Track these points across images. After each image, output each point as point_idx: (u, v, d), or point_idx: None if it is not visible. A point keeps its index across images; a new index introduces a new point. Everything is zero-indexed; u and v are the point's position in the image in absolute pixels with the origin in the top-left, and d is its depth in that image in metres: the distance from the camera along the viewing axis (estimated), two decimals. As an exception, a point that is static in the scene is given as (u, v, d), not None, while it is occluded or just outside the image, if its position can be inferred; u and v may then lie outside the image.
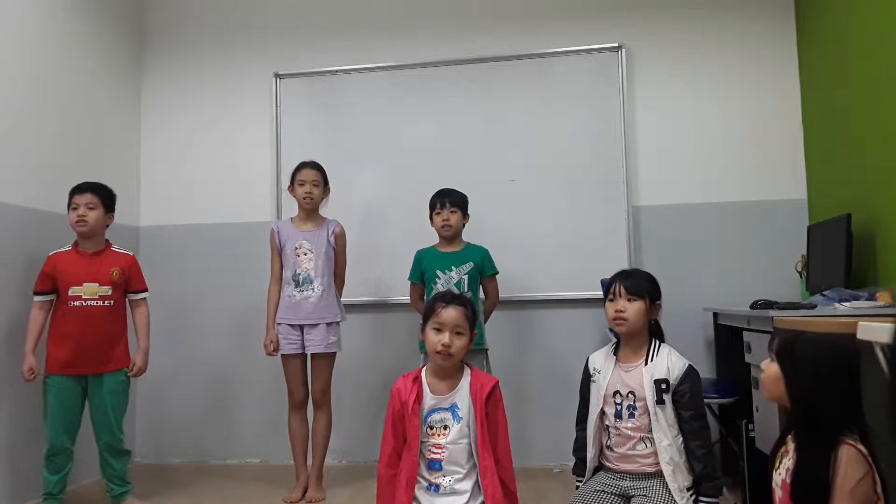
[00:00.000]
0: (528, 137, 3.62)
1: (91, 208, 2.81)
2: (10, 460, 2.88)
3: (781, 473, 1.49)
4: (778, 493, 1.50)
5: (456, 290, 2.97)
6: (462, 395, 1.94)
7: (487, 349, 3.06)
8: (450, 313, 1.91)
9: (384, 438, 1.97)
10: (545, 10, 3.71)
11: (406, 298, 3.24)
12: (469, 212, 3.13)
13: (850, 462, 1.33)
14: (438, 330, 1.91)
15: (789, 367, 1.45)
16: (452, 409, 1.94)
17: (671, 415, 1.99)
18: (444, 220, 3.05)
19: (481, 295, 3.13)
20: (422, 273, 3.10)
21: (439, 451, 1.92)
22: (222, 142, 3.92)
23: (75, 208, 2.81)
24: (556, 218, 3.56)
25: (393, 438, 1.94)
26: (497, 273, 3.14)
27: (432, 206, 3.09)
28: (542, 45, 3.66)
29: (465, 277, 3.02)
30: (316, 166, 3.11)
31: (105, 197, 2.88)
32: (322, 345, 3.01)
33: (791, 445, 1.49)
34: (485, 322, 3.13)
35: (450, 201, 3.06)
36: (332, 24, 3.89)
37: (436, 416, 1.94)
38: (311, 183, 3.06)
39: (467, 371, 1.99)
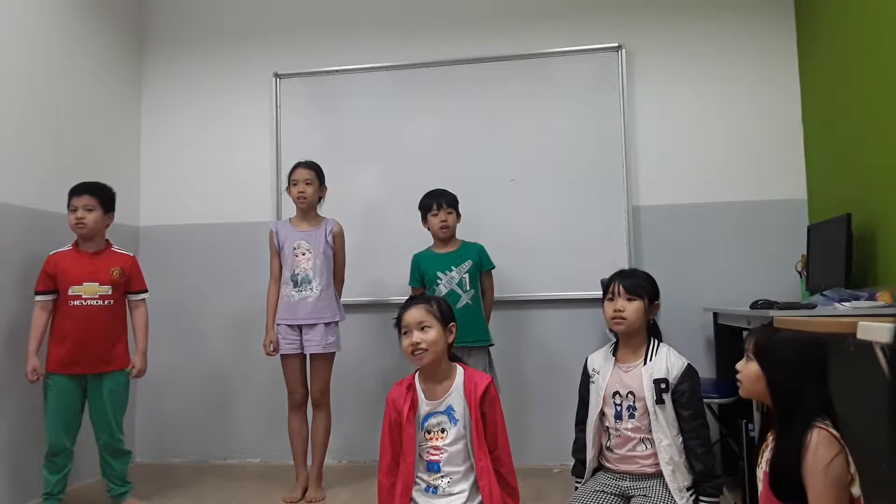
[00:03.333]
0: (528, 137, 3.62)
1: (89, 210, 2.80)
2: (10, 460, 2.88)
3: (763, 466, 1.55)
4: (760, 487, 1.56)
5: (459, 290, 2.99)
6: (456, 396, 1.94)
7: (489, 346, 3.06)
8: (410, 314, 1.94)
9: (382, 447, 1.98)
10: (545, 10, 3.71)
11: (405, 298, 3.23)
12: (469, 211, 3.13)
13: (821, 443, 1.40)
14: (406, 334, 1.93)
15: (769, 365, 1.53)
16: (448, 411, 1.94)
17: (671, 414, 1.99)
18: (441, 221, 3.04)
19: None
20: (421, 276, 3.10)
21: (437, 452, 1.92)
22: (222, 142, 3.92)
23: (73, 210, 2.80)
24: (555, 218, 3.55)
25: (391, 447, 1.95)
26: (493, 268, 3.15)
27: (427, 208, 3.08)
28: (542, 45, 3.65)
29: (466, 276, 3.03)
30: (309, 165, 3.10)
31: (103, 197, 2.86)
32: (321, 345, 3.01)
33: (771, 439, 1.56)
34: (487, 320, 3.14)
35: (446, 202, 3.06)
36: (332, 24, 3.89)
37: (433, 421, 1.94)
38: (303, 182, 3.06)
39: (460, 371, 1.99)
